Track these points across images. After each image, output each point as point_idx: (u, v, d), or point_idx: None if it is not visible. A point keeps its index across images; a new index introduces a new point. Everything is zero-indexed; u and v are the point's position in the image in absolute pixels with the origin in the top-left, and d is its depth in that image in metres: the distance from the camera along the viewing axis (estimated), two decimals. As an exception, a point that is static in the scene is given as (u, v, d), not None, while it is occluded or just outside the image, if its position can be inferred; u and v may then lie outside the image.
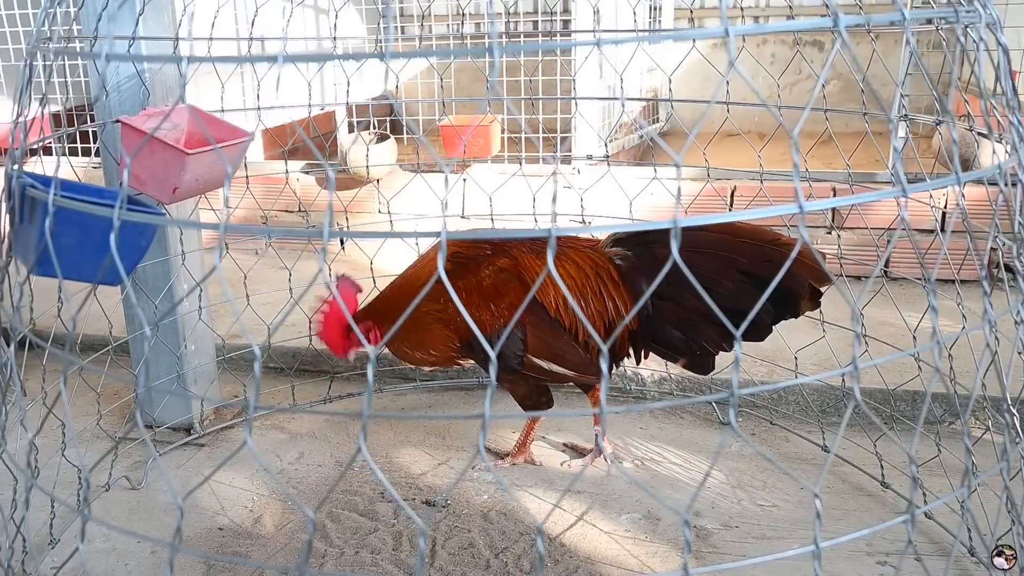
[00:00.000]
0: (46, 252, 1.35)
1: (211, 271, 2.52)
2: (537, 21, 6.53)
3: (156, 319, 2.66)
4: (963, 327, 1.35)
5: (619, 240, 2.47)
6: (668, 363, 2.79)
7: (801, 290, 2.22)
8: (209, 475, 1.23)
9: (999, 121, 1.63)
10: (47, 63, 1.55)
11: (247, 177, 2.91)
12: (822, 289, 2.25)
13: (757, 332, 2.31)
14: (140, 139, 2.13)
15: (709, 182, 3.07)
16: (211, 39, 2.62)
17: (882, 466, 2.55)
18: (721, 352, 2.42)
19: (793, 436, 2.86)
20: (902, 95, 2.59)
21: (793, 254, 1.19)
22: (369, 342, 2.40)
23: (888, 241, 3.72)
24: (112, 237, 1.20)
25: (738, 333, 1.09)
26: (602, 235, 2.57)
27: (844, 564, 2.20)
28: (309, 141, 1.31)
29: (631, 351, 2.51)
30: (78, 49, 2.61)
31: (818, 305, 2.29)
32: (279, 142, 5.03)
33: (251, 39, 2.67)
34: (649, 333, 2.44)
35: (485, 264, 2.42)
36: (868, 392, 2.85)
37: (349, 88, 2.92)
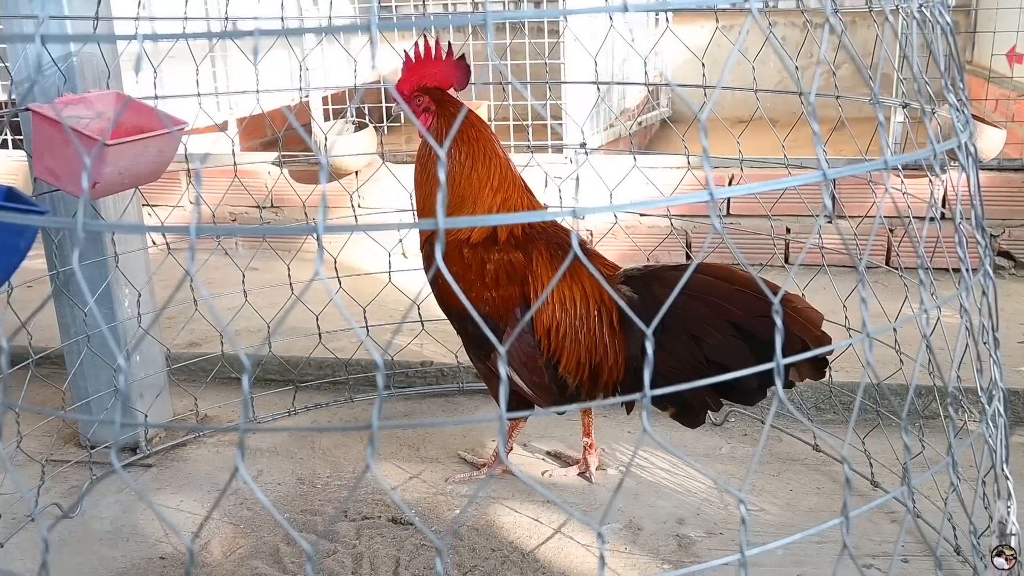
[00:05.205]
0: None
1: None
2: (540, 2, 6.33)
3: (87, 328, 2.44)
4: (937, 317, 1.25)
5: (629, 278, 2.23)
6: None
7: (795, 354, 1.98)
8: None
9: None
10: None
11: (187, 169, 2.68)
12: (822, 354, 1.98)
13: (746, 395, 2.12)
14: (52, 129, 1.93)
15: (690, 170, 2.84)
16: (145, 18, 2.40)
17: (871, 464, 2.39)
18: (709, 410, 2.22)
19: (786, 436, 2.68)
20: (889, 79, 2.41)
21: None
22: (419, 118, 2.25)
23: (890, 230, 3.51)
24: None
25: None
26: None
27: (828, 568, 2.06)
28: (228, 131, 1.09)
29: (617, 397, 2.29)
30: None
31: (822, 374, 2.05)
32: (249, 133, 4.82)
33: (204, 18, 2.46)
34: (637, 382, 2.21)
35: (499, 249, 2.24)
36: (859, 387, 2.66)
37: (303, 72, 2.70)
